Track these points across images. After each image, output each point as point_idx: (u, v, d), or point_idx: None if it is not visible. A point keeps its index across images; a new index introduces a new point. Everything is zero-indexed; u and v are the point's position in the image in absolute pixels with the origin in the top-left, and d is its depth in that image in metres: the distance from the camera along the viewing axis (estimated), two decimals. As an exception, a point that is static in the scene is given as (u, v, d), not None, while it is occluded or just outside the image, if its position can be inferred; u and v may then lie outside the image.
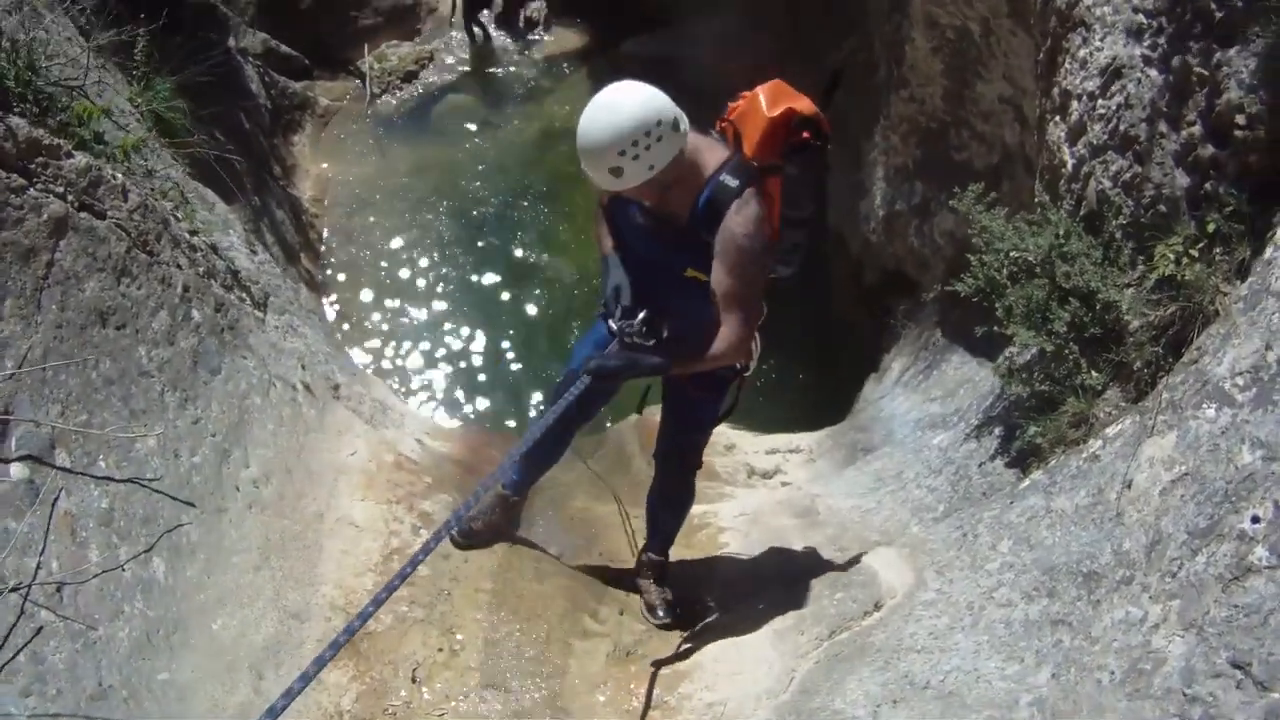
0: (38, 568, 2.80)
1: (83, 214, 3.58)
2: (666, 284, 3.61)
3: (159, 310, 3.93)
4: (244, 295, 4.98)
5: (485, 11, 17.87)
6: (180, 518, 3.55)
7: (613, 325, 3.65)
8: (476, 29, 17.86)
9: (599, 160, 3.22)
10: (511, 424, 9.55)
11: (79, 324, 3.39)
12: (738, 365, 3.85)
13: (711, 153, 3.48)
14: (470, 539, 4.67)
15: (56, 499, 2.98)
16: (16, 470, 2.88)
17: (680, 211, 3.45)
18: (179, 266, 4.22)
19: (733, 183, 3.35)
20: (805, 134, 3.60)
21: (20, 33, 3.82)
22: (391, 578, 2.35)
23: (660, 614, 4.54)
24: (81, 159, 3.68)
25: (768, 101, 3.55)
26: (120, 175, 3.98)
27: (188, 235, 4.53)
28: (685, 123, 3.32)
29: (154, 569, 3.30)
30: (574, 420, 4.13)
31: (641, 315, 3.61)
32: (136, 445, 3.47)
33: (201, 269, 4.50)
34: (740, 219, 3.30)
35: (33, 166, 3.36)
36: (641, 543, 4.91)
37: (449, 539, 4.56)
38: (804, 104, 3.61)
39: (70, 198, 3.52)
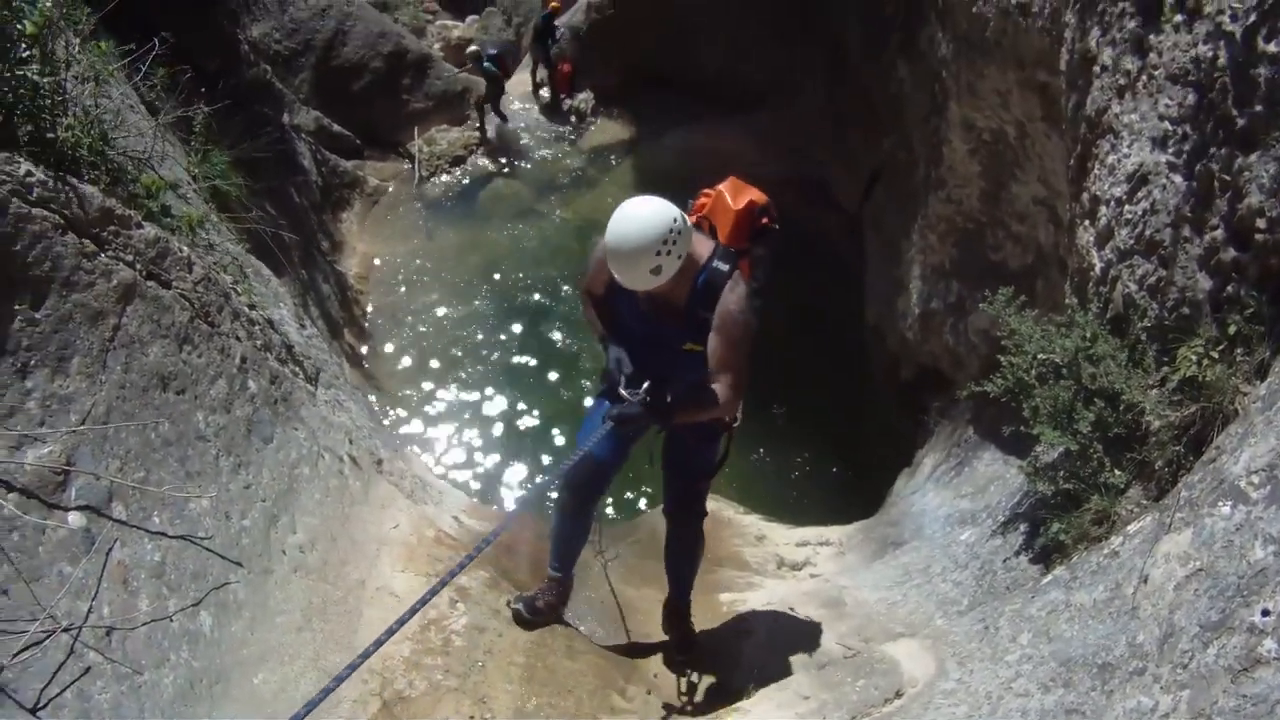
0: (89, 611, 2.92)
1: (150, 282, 3.78)
2: (666, 356, 4.08)
3: (217, 379, 4.11)
4: (297, 369, 5.16)
5: (490, 106, 18.39)
6: (228, 576, 3.68)
7: (624, 393, 4.01)
8: (489, 123, 18.17)
9: (640, 263, 3.70)
10: (546, 506, 9.60)
11: (141, 386, 3.56)
12: (728, 419, 4.34)
13: (701, 244, 4.02)
14: (535, 616, 4.92)
15: (111, 549, 3.12)
16: (75, 518, 3.03)
17: (679, 295, 3.95)
18: (238, 338, 4.42)
19: (724, 267, 3.93)
20: (765, 219, 4.43)
21: (91, 102, 4.01)
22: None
23: (686, 648, 5.08)
24: (150, 230, 3.89)
25: (732, 196, 4.36)
26: (186, 248, 4.20)
27: (246, 309, 4.74)
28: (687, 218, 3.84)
29: (201, 622, 3.42)
30: (592, 487, 4.67)
31: (646, 385, 3.99)
32: (190, 505, 3.62)
33: (259, 342, 4.69)
34: (734, 297, 3.87)
35: (104, 234, 3.56)
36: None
37: (514, 615, 4.92)
38: (759, 195, 4.41)
39: (139, 266, 3.72)
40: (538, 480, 3.78)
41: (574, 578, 5.19)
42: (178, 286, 3.99)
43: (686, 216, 3.84)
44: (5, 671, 2.57)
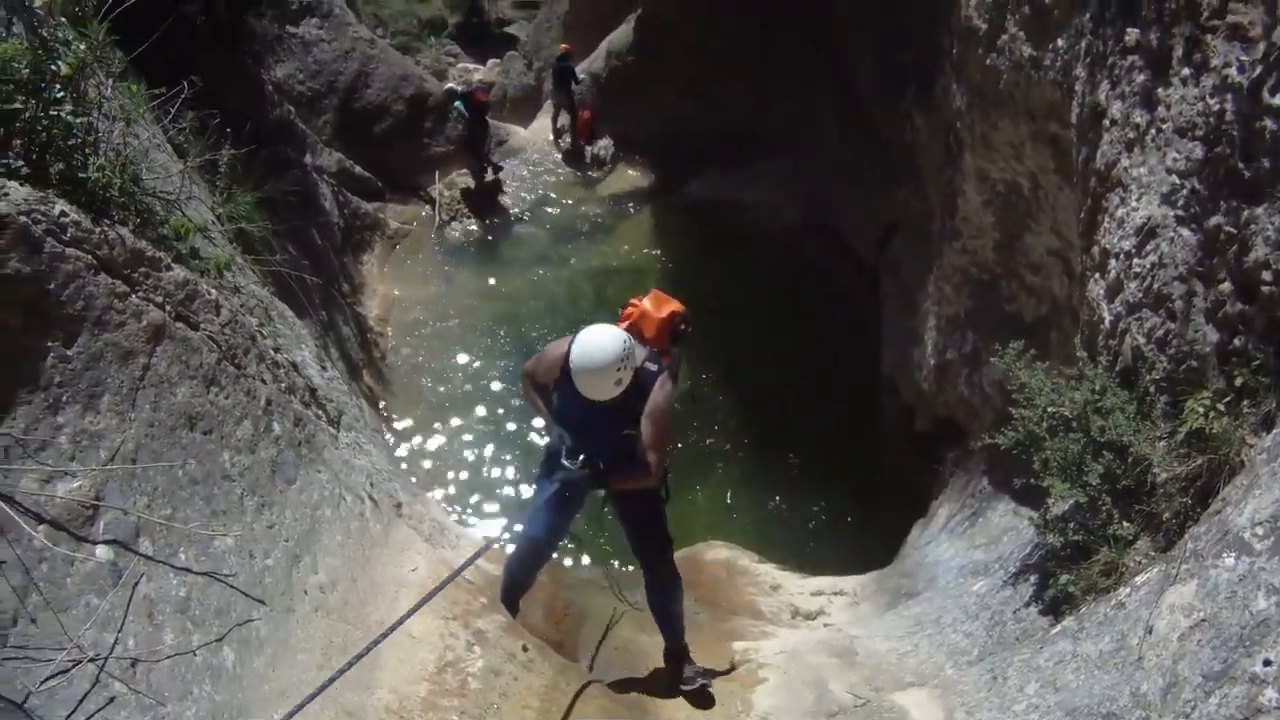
0: (115, 643, 2.98)
1: (179, 324, 3.87)
2: (602, 437, 4.81)
3: (243, 420, 4.20)
4: (320, 412, 5.25)
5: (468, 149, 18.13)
6: (251, 613, 3.73)
7: (565, 463, 4.79)
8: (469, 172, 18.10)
9: (605, 379, 4.59)
10: (556, 555, 9.62)
11: (169, 425, 3.64)
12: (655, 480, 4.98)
13: (637, 353, 4.77)
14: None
15: (137, 583, 3.18)
16: (102, 552, 3.10)
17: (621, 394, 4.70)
18: (263, 381, 4.51)
19: (653, 367, 4.81)
20: (683, 326, 5.28)
21: (121, 142, 4.11)
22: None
23: (698, 681, 5.30)
24: (180, 272, 3.99)
25: (655, 307, 5.24)
26: (214, 290, 4.30)
27: (271, 351, 4.84)
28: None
29: (223, 657, 3.47)
30: (536, 555, 5.69)
31: (582, 457, 4.78)
32: (215, 542, 3.68)
33: (283, 384, 4.79)
34: (662, 393, 4.77)
35: (135, 275, 3.66)
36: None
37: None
38: (678, 305, 5.29)
39: (168, 308, 3.82)
40: (497, 532, 4.72)
41: (518, 611, 5.73)
42: (205, 328, 4.08)
43: (629, 337, 4.69)
44: (32, 698, 2.62)
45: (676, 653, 5.43)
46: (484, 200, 18.02)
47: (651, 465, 4.75)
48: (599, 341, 4.57)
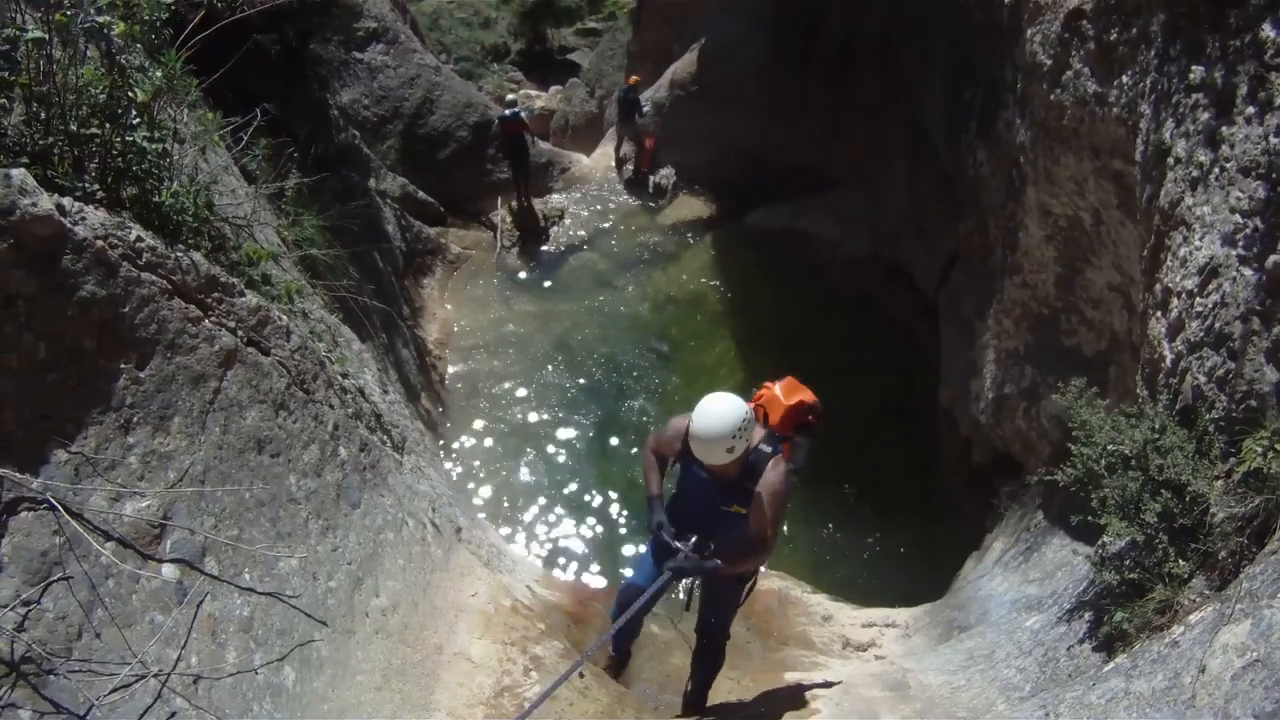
0: (178, 659, 3.08)
1: (250, 349, 3.99)
2: (711, 515, 4.99)
3: (310, 444, 4.31)
4: (385, 438, 5.35)
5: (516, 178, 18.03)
6: (313, 634, 3.83)
7: (677, 545, 4.98)
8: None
9: (719, 446, 4.68)
10: (605, 582, 9.72)
11: (238, 448, 3.76)
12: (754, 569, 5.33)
13: (755, 431, 4.91)
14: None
15: (202, 602, 3.29)
16: (168, 570, 3.20)
17: (733, 468, 4.84)
18: (331, 406, 4.63)
19: (768, 449, 4.89)
20: (810, 416, 5.45)
21: (194, 168, 4.24)
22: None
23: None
24: (252, 298, 4.11)
25: (784, 394, 5.47)
26: (285, 317, 4.42)
27: (340, 377, 4.96)
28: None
29: (284, 676, 3.56)
30: (647, 607, 5.41)
31: (693, 540, 4.98)
32: (280, 564, 3.79)
33: (350, 410, 4.90)
34: (775, 475, 4.80)
35: (209, 300, 3.78)
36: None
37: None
38: (809, 395, 5.48)
39: (240, 333, 3.94)
40: (609, 630, 5.09)
41: (629, 656, 6.29)
42: (276, 354, 4.20)
43: (751, 409, 4.80)
44: (94, 710, 2.71)
45: (697, 701, 5.85)
46: (525, 226, 18.22)
47: (759, 550, 4.90)
48: (718, 409, 4.72)
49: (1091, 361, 7.07)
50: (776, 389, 5.51)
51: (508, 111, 17.81)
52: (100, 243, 3.19)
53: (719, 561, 4.88)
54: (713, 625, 5.62)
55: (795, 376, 5.68)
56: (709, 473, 4.94)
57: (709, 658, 5.75)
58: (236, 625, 3.41)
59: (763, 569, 5.65)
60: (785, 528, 10.71)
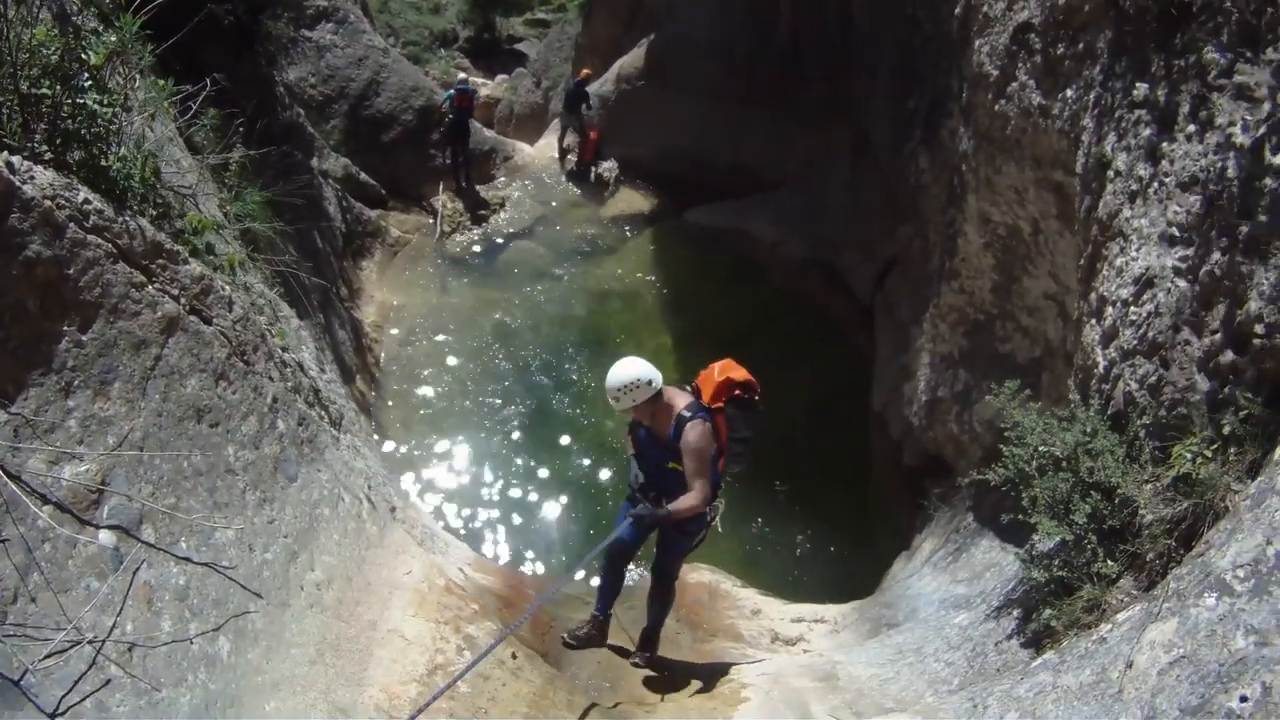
0: (113, 626, 3.03)
1: (192, 317, 3.94)
2: (660, 473, 5.81)
3: (249, 416, 4.27)
4: (323, 413, 5.31)
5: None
6: (248, 605, 3.79)
7: (638, 497, 5.85)
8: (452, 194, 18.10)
9: (610, 394, 5.62)
10: (540, 569, 9.79)
11: (177, 416, 3.71)
12: (707, 516, 5.88)
13: (680, 398, 5.76)
14: (579, 644, 6.54)
15: (138, 569, 3.24)
16: (105, 537, 3.15)
17: (665, 431, 5.67)
18: (270, 379, 4.58)
19: (688, 414, 5.59)
20: (737, 391, 5.91)
21: (143, 135, 4.18)
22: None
23: (638, 658, 6.48)
24: (196, 267, 4.06)
25: (717, 371, 5.97)
26: (228, 287, 4.37)
27: (279, 350, 4.91)
28: (659, 382, 5.64)
29: (219, 647, 3.52)
30: (622, 558, 6.41)
31: (651, 495, 5.79)
32: (217, 534, 3.74)
33: (290, 384, 4.85)
34: (693, 433, 5.53)
35: (153, 267, 3.73)
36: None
37: (563, 642, 6.54)
38: (740, 373, 5.99)
39: (183, 301, 3.89)
40: (578, 561, 5.69)
41: (611, 618, 6.69)
42: (218, 323, 4.15)
43: (656, 380, 5.62)
44: (29, 676, 2.67)
45: (650, 636, 6.57)
46: (466, 209, 18.20)
47: (696, 495, 5.55)
48: (617, 366, 5.65)
49: (1025, 368, 7.21)
50: (716, 368, 6.05)
51: (458, 85, 17.94)
52: (48, 202, 3.14)
53: (669, 510, 5.56)
54: (663, 567, 6.30)
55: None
56: (650, 434, 5.84)
57: (659, 595, 6.43)
58: (172, 594, 3.37)
59: (698, 551, 6.41)
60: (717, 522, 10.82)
